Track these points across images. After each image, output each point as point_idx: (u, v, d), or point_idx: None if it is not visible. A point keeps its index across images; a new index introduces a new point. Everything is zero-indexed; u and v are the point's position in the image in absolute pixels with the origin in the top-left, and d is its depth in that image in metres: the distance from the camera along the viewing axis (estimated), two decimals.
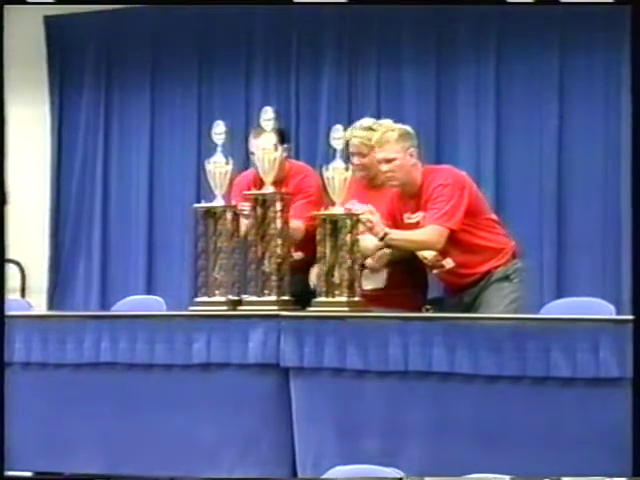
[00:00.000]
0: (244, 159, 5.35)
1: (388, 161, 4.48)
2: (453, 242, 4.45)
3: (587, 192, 5.87)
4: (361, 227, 4.34)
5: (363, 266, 4.47)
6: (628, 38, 5.78)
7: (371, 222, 4.35)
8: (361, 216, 4.33)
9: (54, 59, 7.07)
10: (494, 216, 4.69)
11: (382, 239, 4.40)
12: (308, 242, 4.66)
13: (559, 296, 5.39)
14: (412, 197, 4.56)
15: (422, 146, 6.11)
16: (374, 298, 4.44)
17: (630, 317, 4.02)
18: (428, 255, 4.49)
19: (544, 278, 5.77)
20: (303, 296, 4.47)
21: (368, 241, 4.45)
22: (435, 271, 4.60)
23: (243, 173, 5.04)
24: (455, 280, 4.56)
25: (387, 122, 4.77)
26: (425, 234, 4.43)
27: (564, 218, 5.89)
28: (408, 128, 4.60)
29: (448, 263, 4.50)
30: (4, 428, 3.75)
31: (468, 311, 4.47)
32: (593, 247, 5.81)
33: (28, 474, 4.51)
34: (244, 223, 4.52)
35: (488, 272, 4.52)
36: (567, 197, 5.91)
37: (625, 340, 3.65)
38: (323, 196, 4.65)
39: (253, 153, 4.83)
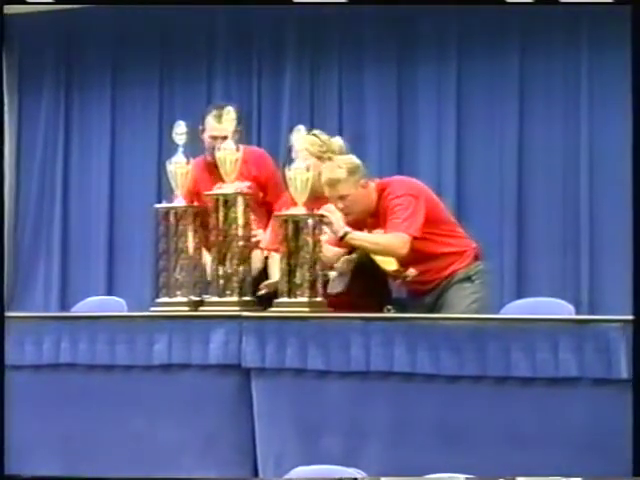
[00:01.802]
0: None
1: (342, 197, 4.45)
2: (415, 252, 4.42)
3: (547, 194, 5.91)
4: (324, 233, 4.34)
5: (325, 276, 4.45)
6: (586, 38, 5.86)
7: (329, 220, 4.32)
8: (323, 210, 4.33)
9: (12, 58, 7.01)
10: (454, 220, 4.68)
11: (342, 238, 4.39)
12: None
13: (519, 296, 5.42)
14: (371, 216, 4.54)
15: (383, 148, 6.14)
16: (338, 303, 4.43)
17: (591, 317, 4.09)
18: (390, 269, 4.48)
19: (504, 279, 5.80)
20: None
21: (328, 250, 4.45)
22: (398, 281, 4.59)
23: (197, 164, 4.95)
24: (418, 287, 4.55)
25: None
26: (390, 239, 4.38)
27: (524, 219, 5.92)
28: (354, 159, 4.51)
29: (412, 272, 4.48)
30: (4, 428, 3.74)
31: (430, 311, 4.47)
32: (553, 248, 5.85)
33: None
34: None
35: (450, 274, 4.53)
36: (527, 199, 5.95)
37: (584, 340, 3.68)
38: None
39: (215, 137, 4.83)
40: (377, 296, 4.66)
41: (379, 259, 4.44)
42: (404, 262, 4.44)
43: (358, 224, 4.52)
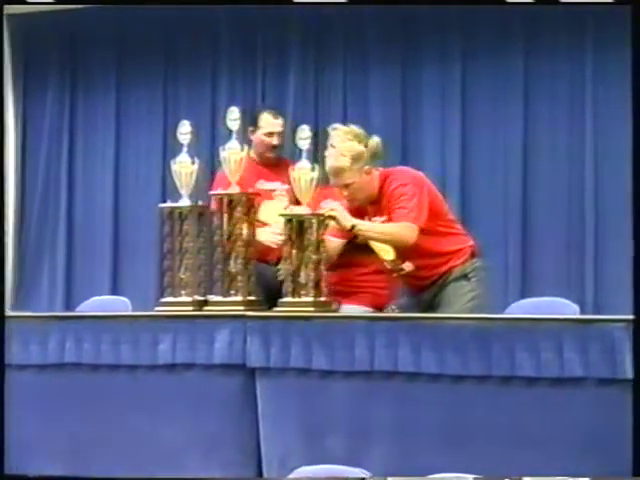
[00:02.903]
0: (209, 159, 5.35)
1: (346, 186, 4.45)
2: (414, 245, 4.40)
3: (551, 193, 5.91)
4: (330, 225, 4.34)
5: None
6: (591, 39, 5.86)
7: (335, 215, 4.31)
8: (327, 208, 4.33)
9: (17, 59, 7.02)
10: (451, 216, 4.66)
11: (351, 230, 4.36)
12: None
13: (524, 296, 5.42)
14: (372, 203, 4.53)
15: (388, 150, 6.13)
16: (343, 295, 4.44)
17: (596, 317, 4.09)
18: (387, 258, 4.46)
19: (509, 278, 5.80)
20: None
21: (330, 242, 4.44)
22: (394, 274, 4.57)
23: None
24: (414, 282, 4.53)
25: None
26: (398, 228, 4.34)
27: (529, 219, 5.92)
28: (357, 147, 4.47)
29: (408, 266, 4.46)
30: (4, 428, 3.74)
31: (427, 310, 4.46)
32: (557, 247, 5.85)
33: None
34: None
35: (447, 271, 4.51)
36: (532, 198, 5.94)
37: (589, 340, 3.68)
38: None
39: (272, 133, 5.16)
40: (385, 289, 4.68)
41: (377, 247, 4.41)
42: (402, 255, 4.41)
43: (359, 211, 4.52)
